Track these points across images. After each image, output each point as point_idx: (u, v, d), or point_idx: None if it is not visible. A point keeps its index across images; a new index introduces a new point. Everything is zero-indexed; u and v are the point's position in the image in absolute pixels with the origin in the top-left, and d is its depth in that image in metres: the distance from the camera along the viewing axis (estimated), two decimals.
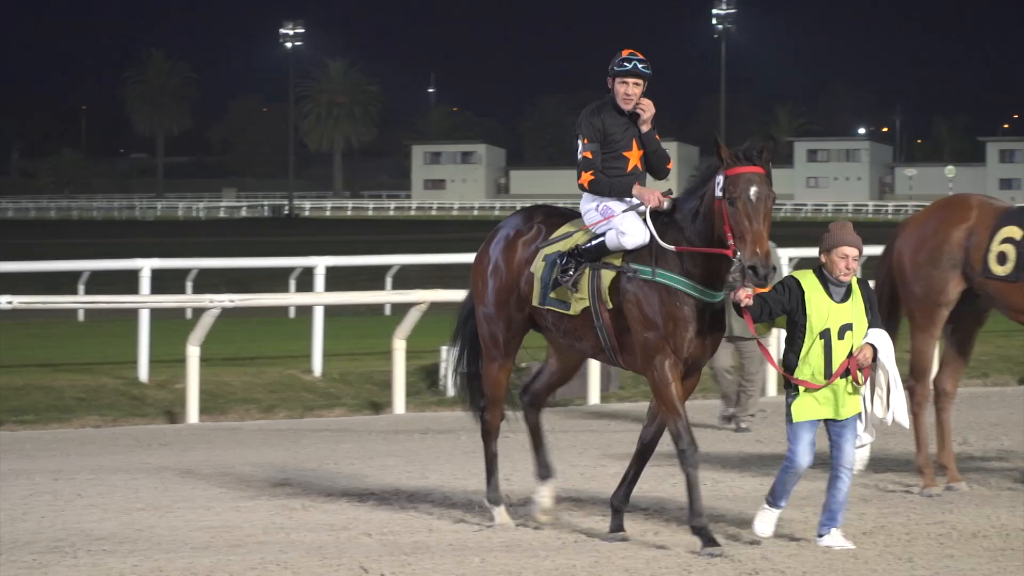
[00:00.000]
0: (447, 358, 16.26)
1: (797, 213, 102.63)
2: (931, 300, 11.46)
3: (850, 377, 9.17)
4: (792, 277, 9.28)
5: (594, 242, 9.55)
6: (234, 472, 12.35)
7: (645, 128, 9.64)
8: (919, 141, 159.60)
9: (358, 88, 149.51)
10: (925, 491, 11.21)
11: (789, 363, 9.23)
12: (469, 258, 21.06)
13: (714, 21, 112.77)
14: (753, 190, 9.02)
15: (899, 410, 9.36)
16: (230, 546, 9.44)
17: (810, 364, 9.15)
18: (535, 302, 9.75)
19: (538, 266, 9.73)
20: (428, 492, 11.39)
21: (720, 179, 9.09)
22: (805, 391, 9.16)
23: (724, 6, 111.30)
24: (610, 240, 9.47)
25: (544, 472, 10.17)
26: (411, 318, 16.92)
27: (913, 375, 11.51)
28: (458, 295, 18.30)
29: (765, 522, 9.37)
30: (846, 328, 9.14)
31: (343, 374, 18.23)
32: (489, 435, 10.25)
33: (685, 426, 9.29)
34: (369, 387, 17.68)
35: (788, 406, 9.24)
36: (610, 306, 9.46)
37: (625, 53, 9.61)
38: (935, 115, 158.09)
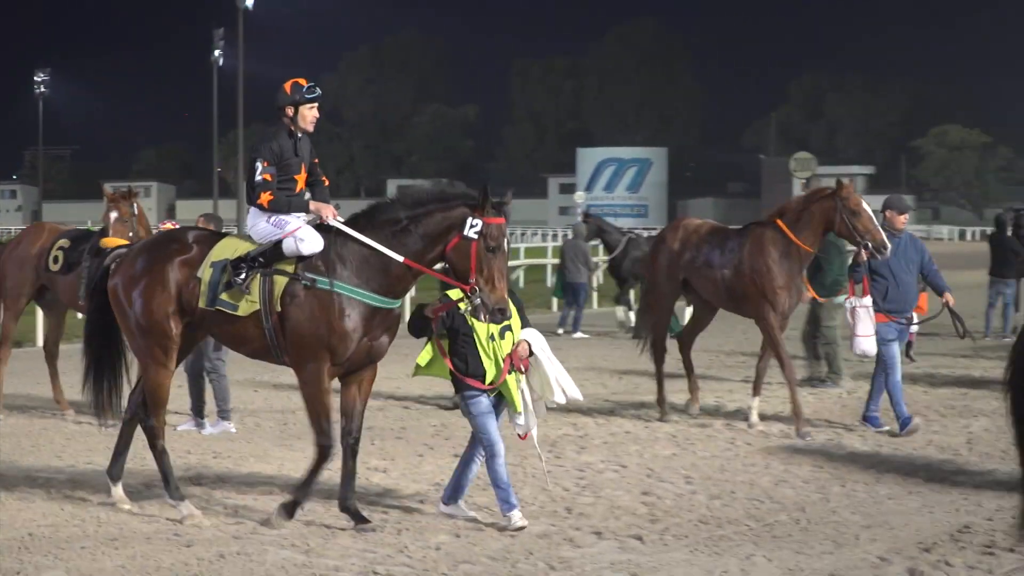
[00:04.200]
0: None
1: None
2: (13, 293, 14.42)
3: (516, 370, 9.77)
4: (447, 295, 9.91)
5: (268, 248, 9.81)
6: None
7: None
8: None
9: None
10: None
11: (460, 369, 9.79)
12: None
13: None
14: (505, 241, 9.49)
15: (569, 387, 9.94)
16: None
17: (486, 366, 9.75)
18: (202, 304, 9.90)
19: (205, 271, 9.90)
20: None
21: (477, 223, 9.42)
22: (479, 389, 9.73)
23: None
24: (287, 246, 9.76)
25: (118, 472, 10.43)
26: None
27: None
28: None
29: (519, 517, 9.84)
30: (505, 329, 9.83)
31: None
32: (156, 437, 10.31)
33: (329, 424, 9.73)
34: None
35: (469, 406, 9.79)
36: (279, 310, 9.70)
37: (303, 82, 10.09)
38: None
